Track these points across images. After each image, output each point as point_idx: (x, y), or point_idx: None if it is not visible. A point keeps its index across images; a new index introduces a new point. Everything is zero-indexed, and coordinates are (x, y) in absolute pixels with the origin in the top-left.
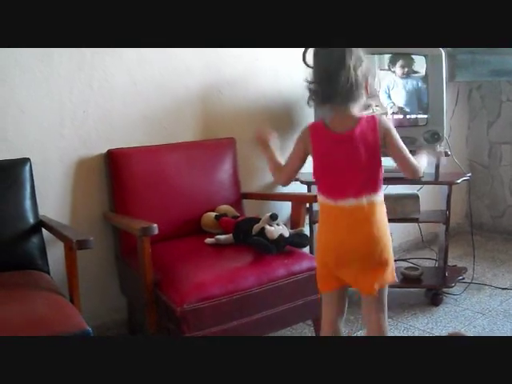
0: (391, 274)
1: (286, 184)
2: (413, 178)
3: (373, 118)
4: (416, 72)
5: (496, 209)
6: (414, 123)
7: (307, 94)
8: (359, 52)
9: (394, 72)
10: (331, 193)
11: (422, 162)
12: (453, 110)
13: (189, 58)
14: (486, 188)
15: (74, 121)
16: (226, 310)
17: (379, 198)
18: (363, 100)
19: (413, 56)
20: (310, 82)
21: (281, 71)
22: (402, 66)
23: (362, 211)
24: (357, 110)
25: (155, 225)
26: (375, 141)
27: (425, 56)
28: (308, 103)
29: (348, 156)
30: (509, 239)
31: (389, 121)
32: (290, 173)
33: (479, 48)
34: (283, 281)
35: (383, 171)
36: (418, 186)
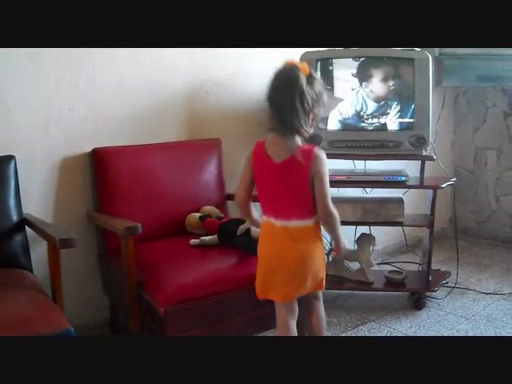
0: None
1: (240, 204)
2: (323, 222)
3: (310, 150)
4: (401, 77)
5: (480, 214)
6: (401, 127)
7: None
8: (313, 82)
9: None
10: (268, 212)
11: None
12: (439, 115)
13: (177, 57)
14: (470, 193)
15: (60, 119)
16: (210, 312)
17: (309, 222)
18: (306, 130)
19: (399, 60)
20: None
21: (268, 72)
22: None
23: (292, 232)
24: (298, 139)
25: (139, 224)
26: (304, 173)
27: (411, 60)
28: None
29: (281, 183)
30: (493, 244)
31: (323, 160)
32: (241, 192)
33: (466, 53)
34: None
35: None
36: (403, 190)
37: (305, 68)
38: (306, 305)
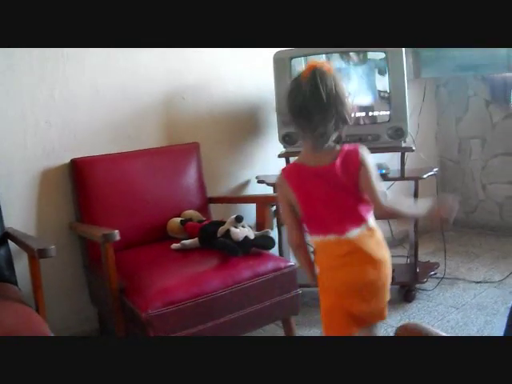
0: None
1: (297, 245)
2: (380, 215)
3: (355, 149)
4: (375, 70)
5: (468, 204)
6: (377, 120)
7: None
8: (332, 79)
9: (348, 62)
10: (324, 229)
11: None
12: (420, 106)
13: (151, 65)
14: (457, 183)
15: (37, 131)
16: (192, 314)
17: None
18: (344, 127)
19: (372, 54)
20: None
21: (245, 76)
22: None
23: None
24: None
25: (116, 231)
26: (356, 173)
27: (385, 52)
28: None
29: (330, 189)
30: (482, 233)
31: (368, 153)
32: (291, 231)
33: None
34: (249, 282)
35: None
36: (386, 184)
37: (330, 68)
38: None
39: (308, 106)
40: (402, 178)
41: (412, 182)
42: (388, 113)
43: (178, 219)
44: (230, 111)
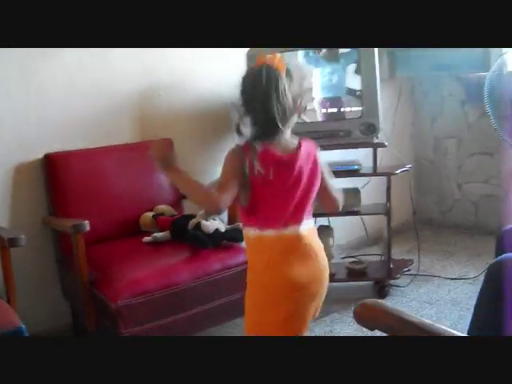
0: None
1: (221, 210)
2: (332, 211)
3: (312, 141)
4: (346, 65)
5: (444, 204)
6: (349, 116)
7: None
8: (292, 75)
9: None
10: (275, 221)
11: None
12: (396, 106)
13: (127, 61)
14: (433, 183)
15: (13, 126)
16: (162, 305)
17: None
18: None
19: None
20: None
21: (220, 73)
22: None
23: (307, 238)
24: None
25: (86, 221)
26: (317, 166)
27: (356, 49)
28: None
29: (293, 178)
30: (457, 232)
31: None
32: (229, 197)
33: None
34: (219, 274)
35: None
36: (362, 183)
37: (281, 65)
38: None
39: (260, 105)
40: (375, 173)
41: (385, 180)
42: (360, 109)
43: (151, 213)
44: (204, 108)
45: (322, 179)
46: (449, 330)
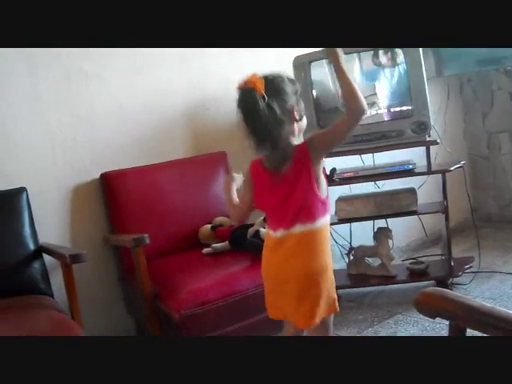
0: (333, 306)
1: (238, 220)
2: (356, 108)
3: (303, 144)
4: (398, 64)
5: (502, 198)
6: (400, 116)
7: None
8: (274, 84)
9: (379, 64)
10: (271, 224)
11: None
12: (446, 105)
13: (172, 78)
14: (489, 179)
15: (65, 149)
16: (224, 314)
17: (316, 225)
18: (293, 128)
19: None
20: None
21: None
22: (387, 57)
23: (293, 241)
24: (292, 137)
25: (146, 235)
26: (308, 169)
27: (401, 48)
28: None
29: (283, 192)
30: None
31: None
32: (242, 209)
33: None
34: None
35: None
36: (417, 183)
37: (259, 86)
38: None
39: (252, 113)
40: (429, 172)
41: (440, 179)
42: (410, 107)
43: (209, 226)
44: None
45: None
46: None
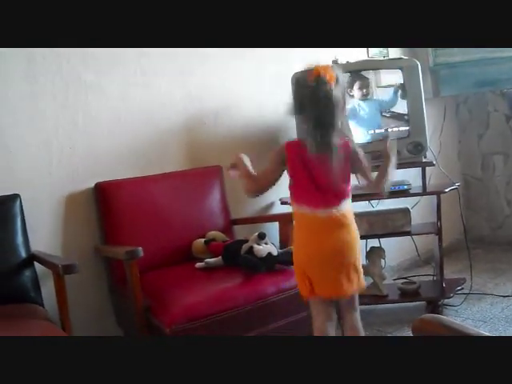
0: (362, 281)
1: (256, 193)
2: (377, 190)
3: (347, 142)
4: (391, 85)
5: (494, 220)
6: (397, 136)
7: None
8: (340, 77)
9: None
10: (309, 202)
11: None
12: (441, 125)
13: (171, 91)
14: (482, 201)
15: (61, 158)
16: (216, 330)
17: (349, 204)
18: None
19: (385, 70)
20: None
21: (264, 99)
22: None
23: (337, 219)
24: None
25: (140, 248)
26: (347, 159)
27: (400, 68)
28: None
29: (324, 174)
30: (509, 249)
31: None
32: (264, 183)
33: (460, 61)
34: (273, 298)
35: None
36: (411, 203)
37: (333, 76)
38: (341, 317)
39: (316, 113)
40: (424, 193)
41: (434, 200)
42: (407, 128)
43: (202, 240)
44: (251, 134)
45: (360, 165)
46: None
